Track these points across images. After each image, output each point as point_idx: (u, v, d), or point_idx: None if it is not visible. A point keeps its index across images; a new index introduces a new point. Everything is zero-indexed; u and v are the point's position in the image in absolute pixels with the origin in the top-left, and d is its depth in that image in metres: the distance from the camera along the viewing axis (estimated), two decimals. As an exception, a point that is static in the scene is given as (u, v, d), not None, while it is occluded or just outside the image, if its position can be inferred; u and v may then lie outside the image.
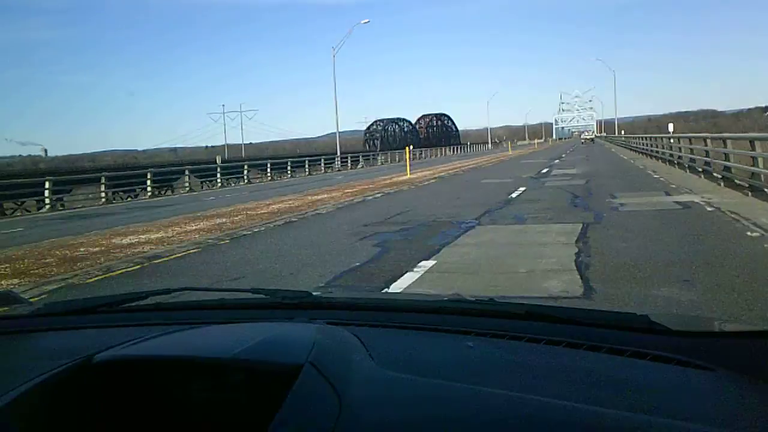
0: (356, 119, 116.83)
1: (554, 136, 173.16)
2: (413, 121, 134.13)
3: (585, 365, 1.01)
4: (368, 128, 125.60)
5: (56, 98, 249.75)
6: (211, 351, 1.07)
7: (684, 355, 0.99)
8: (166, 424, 1.05)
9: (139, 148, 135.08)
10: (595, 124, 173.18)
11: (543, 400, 0.83)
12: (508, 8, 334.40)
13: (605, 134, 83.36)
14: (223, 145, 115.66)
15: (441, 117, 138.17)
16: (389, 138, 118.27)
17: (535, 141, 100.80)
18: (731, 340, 1.12)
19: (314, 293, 1.46)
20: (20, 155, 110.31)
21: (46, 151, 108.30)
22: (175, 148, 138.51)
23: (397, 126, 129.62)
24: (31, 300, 1.69)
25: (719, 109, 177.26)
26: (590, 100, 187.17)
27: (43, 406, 0.97)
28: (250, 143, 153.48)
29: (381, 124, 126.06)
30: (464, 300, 1.39)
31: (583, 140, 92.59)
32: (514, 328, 1.15)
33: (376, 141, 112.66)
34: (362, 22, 45.24)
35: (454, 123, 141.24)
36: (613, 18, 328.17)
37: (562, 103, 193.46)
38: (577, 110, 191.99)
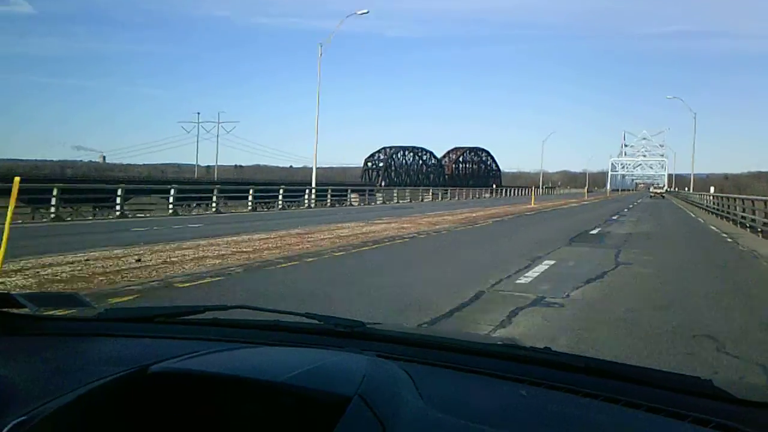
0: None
1: (609, 186, 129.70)
2: (441, 156, 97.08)
3: (643, 427, 0.94)
4: (371, 156, 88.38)
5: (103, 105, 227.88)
6: (264, 373, 1.04)
7: (750, 426, 0.92)
8: None
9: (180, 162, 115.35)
10: (665, 175, 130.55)
11: None
12: (578, 50, 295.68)
13: (692, 191, 44.38)
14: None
15: (478, 152, 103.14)
16: (401, 171, 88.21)
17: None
18: None
19: (367, 324, 1.39)
20: (81, 160, 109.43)
21: (104, 157, 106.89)
22: (241, 165, 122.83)
23: (413, 156, 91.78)
24: (94, 305, 1.74)
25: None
26: (661, 145, 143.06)
27: (98, 408, 0.99)
28: (240, 166, 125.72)
29: (389, 151, 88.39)
30: (520, 346, 1.30)
31: (652, 194, 79.23)
32: (570, 381, 1.08)
33: (379, 172, 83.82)
34: (359, 12, 31.39)
35: (494, 160, 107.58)
36: (692, 63, 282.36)
37: (626, 145, 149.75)
38: (644, 156, 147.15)
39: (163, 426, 1.04)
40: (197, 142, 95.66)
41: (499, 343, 1.34)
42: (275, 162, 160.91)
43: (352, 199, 35.22)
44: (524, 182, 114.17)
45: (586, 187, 79.21)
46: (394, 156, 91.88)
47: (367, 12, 31.83)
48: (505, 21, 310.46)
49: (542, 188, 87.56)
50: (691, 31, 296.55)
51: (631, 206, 35.50)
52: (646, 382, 1.06)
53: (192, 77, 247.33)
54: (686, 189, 64.08)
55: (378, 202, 37.69)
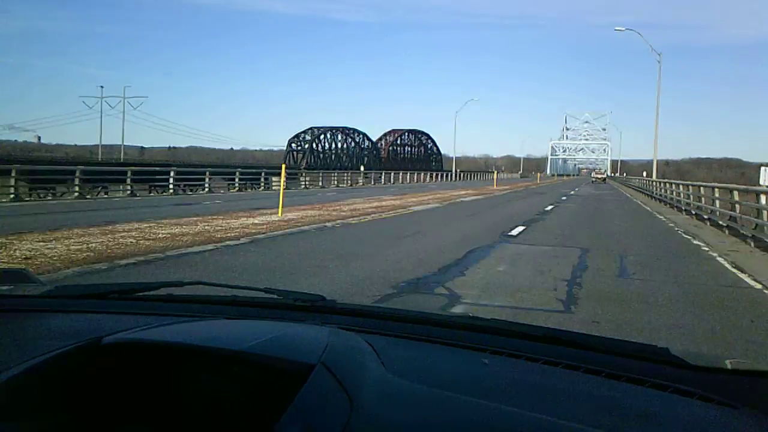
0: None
1: (548, 170, 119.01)
2: (377, 138, 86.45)
3: (604, 392, 0.93)
4: (296, 137, 76.37)
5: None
6: (222, 343, 0.99)
7: (705, 390, 0.91)
8: (171, 411, 0.98)
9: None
10: (608, 160, 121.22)
11: (558, 422, 0.77)
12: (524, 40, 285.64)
13: (654, 178, 30.17)
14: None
15: (417, 134, 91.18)
16: (330, 153, 77.94)
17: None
18: (756, 380, 1.00)
19: (328, 299, 1.34)
20: (15, 140, 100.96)
21: (39, 137, 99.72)
22: (175, 147, 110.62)
23: (345, 138, 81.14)
24: (43, 280, 1.55)
25: (744, 159, 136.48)
26: (604, 129, 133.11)
27: (50, 382, 0.93)
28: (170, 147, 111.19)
29: (315, 132, 77.09)
30: (481, 318, 1.29)
31: (593, 179, 76.06)
32: (531, 349, 1.07)
33: (304, 153, 74.17)
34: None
35: (435, 143, 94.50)
36: (632, 58, 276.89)
37: (568, 129, 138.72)
38: (586, 139, 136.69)
39: (119, 398, 0.98)
40: (101, 118, 79.23)
41: (459, 315, 1.24)
42: (213, 144, 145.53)
43: (273, 184, 30.52)
44: (467, 167, 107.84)
45: (495, 173, 64.30)
46: (321, 137, 79.61)
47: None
48: (454, 9, 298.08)
49: (455, 173, 74.55)
50: (642, 22, 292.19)
51: (548, 209, 17.94)
52: (604, 350, 1.04)
53: (133, 54, 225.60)
54: (644, 174, 48.02)
55: (300, 187, 32.16)
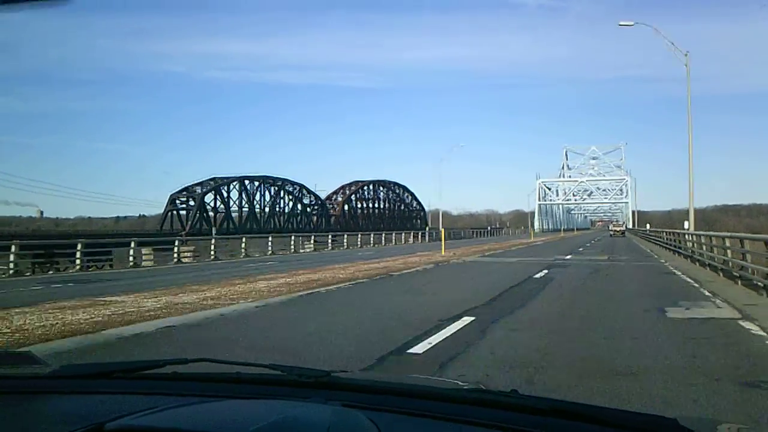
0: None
1: (537, 224, 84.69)
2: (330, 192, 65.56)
3: None
4: (184, 190, 51.02)
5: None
6: (225, 428, 0.98)
7: None
8: None
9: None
10: (629, 204, 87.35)
11: None
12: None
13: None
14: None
15: (389, 186, 71.16)
16: (246, 211, 53.66)
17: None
18: None
19: (332, 373, 1.29)
20: (20, 216, 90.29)
21: (41, 212, 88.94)
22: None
23: (274, 191, 57.46)
24: (48, 362, 1.49)
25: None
26: (619, 167, 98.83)
27: None
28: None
29: (217, 181, 52.31)
30: (487, 390, 1.27)
31: (611, 232, 61.41)
32: (537, 424, 1.04)
33: (186, 212, 48.98)
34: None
35: (415, 197, 75.86)
36: (646, 104, 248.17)
37: (570, 168, 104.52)
38: (591, 175, 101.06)
39: None
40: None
41: (465, 387, 1.26)
42: (145, 210, 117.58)
43: (144, 258, 22.38)
44: (467, 223, 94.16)
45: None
46: (223, 189, 50.24)
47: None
48: (443, 70, 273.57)
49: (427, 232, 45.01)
50: (648, 75, 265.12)
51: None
52: (611, 422, 1.01)
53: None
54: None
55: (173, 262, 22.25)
